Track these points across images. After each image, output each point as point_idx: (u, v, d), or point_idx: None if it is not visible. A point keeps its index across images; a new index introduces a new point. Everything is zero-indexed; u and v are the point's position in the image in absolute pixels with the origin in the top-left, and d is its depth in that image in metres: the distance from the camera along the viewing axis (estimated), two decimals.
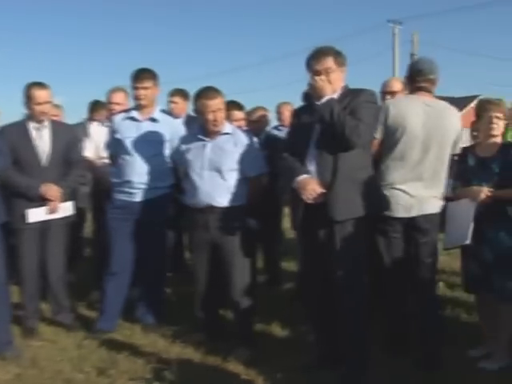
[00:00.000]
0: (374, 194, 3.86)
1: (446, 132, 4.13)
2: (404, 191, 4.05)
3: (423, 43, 32.46)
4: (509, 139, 4.36)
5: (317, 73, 3.77)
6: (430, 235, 4.12)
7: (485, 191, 3.97)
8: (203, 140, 4.41)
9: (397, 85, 4.89)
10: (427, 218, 4.09)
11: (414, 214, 4.07)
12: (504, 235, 4.02)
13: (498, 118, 4.04)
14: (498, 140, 4.13)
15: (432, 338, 4.11)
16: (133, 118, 4.88)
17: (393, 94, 4.82)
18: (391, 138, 4.06)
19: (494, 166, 4.07)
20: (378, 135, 4.04)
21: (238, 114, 5.22)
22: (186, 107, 6.08)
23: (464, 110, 31.61)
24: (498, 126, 4.07)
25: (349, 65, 3.98)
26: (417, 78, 4.16)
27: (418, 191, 4.06)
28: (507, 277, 4.01)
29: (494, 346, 4.23)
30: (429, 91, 4.18)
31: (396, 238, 4.13)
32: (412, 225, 4.09)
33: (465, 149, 4.29)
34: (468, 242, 3.99)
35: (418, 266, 4.11)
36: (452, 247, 4.28)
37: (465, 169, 4.20)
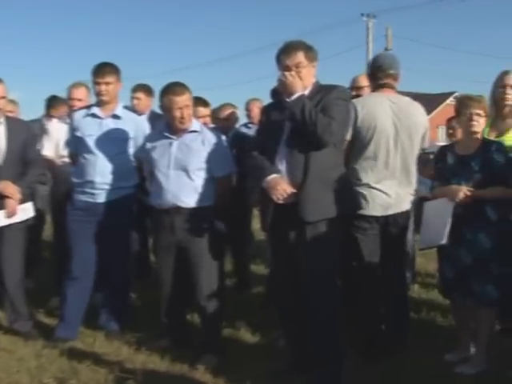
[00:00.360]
0: (346, 194, 3.80)
1: (414, 128, 4.20)
2: (381, 190, 4.12)
3: (398, 37, 32.73)
4: (485, 136, 4.29)
5: (287, 68, 3.71)
6: (405, 231, 4.26)
7: (464, 190, 3.92)
8: (169, 138, 4.29)
9: (364, 81, 4.90)
10: (403, 214, 4.20)
11: (391, 212, 4.16)
12: (483, 237, 3.96)
13: (478, 114, 4.01)
14: (479, 137, 4.10)
15: (397, 331, 4.28)
16: (94, 115, 4.74)
17: (360, 89, 4.92)
18: (363, 139, 4.09)
19: (474, 164, 4.02)
20: (348, 136, 4.04)
21: (203, 111, 5.12)
22: (150, 103, 5.98)
23: (440, 107, 31.83)
24: (479, 123, 4.03)
25: (322, 60, 3.99)
26: (378, 75, 4.23)
27: (394, 189, 4.15)
28: (486, 280, 3.96)
29: (470, 350, 4.20)
30: (392, 87, 4.25)
31: (373, 235, 4.17)
32: (388, 222, 4.17)
33: (444, 147, 4.28)
34: (444, 242, 3.95)
35: (392, 262, 4.23)
36: (427, 247, 4.24)
37: (443, 167, 4.15)
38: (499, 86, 4.43)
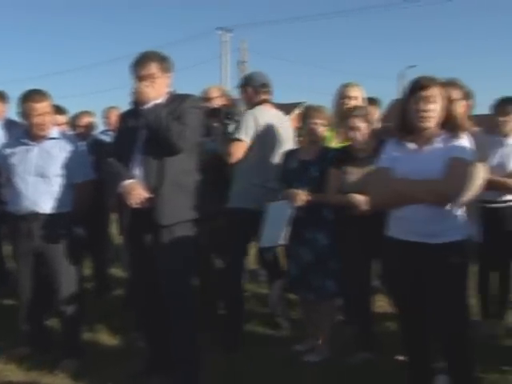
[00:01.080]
0: (200, 197, 3.95)
1: (287, 132, 4.86)
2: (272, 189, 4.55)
3: (253, 52, 33.56)
4: (331, 144, 4.69)
5: (141, 78, 3.80)
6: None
7: (301, 195, 4.21)
8: (28, 144, 4.32)
9: (215, 92, 5.24)
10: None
11: None
12: (322, 237, 4.28)
13: (319, 124, 4.35)
14: (319, 144, 4.44)
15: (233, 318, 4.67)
16: None
17: (210, 100, 5.15)
18: (260, 143, 4.59)
19: (314, 169, 4.34)
20: (248, 139, 4.55)
21: (60, 119, 5.17)
22: (5, 110, 5.87)
23: (290, 116, 33.25)
24: (320, 132, 4.38)
25: (178, 70, 4.13)
26: (262, 91, 4.77)
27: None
28: (325, 276, 4.29)
29: (316, 340, 4.56)
30: (270, 102, 4.84)
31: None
32: None
33: (289, 152, 4.59)
34: (282, 242, 4.25)
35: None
36: (267, 246, 4.51)
37: (287, 171, 4.46)
38: (341, 96, 4.87)
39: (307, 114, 4.43)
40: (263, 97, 4.78)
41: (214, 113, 4.95)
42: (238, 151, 4.58)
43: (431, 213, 3.08)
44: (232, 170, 4.71)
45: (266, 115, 4.67)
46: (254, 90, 4.77)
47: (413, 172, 3.09)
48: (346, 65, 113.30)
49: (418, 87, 3.14)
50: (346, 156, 4.26)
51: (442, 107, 3.15)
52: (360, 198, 3.99)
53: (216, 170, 4.72)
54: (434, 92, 3.12)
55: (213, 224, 4.67)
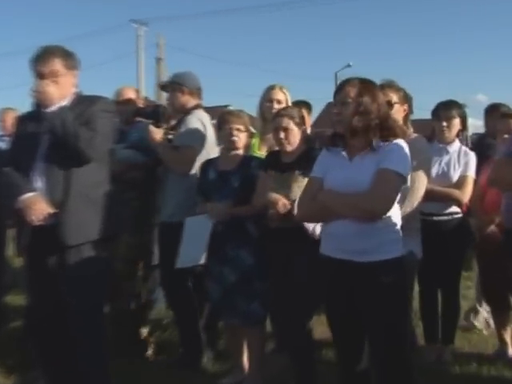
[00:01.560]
0: (112, 213, 3.63)
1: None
2: None
3: (174, 48, 32.44)
4: (256, 150, 4.43)
5: (42, 76, 3.53)
6: None
7: (220, 208, 3.96)
8: None
9: (130, 93, 5.00)
10: None
11: None
12: (246, 254, 4.00)
13: (238, 129, 4.08)
14: (240, 153, 4.15)
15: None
16: None
17: (125, 102, 4.89)
18: (206, 152, 4.43)
19: (234, 180, 4.07)
20: (199, 146, 4.39)
21: None
22: None
23: (215, 120, 32.76)
24: (239, 138, 4.10)
25: (89, 68, 3.91)
26: (198, 95, 4.60)
27: None
28: (250, 299, 4.01)
29: (244, 373, 4.22)
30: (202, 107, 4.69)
31: None
32: None
33: (206, 162, 4.30)
34: (202, 262, 3.99)
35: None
36: (185, 267, 4.15)
37: (205, 182, 4.18)
38: (266, 100, 4.56)
39: (224, 120, 4.16)
40: (199, 101, 4.62)
41: (141, 115, 4.73)
42: (190, 159, 4.37)
43: (359, 228, 2.93)
44: (159, 179, 4.56)
45: (207, 121, 4.57)
46: (190, 93, 4.56)
47: (342, 183, 2.97)
48: (279, 64, 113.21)
49: (336, 90, 3.06)
50: (273, 160, 3.98)
51: (360, 111, 2.95)
52: (277, 197, 3.71)
53: (130, 181, 4.46)
54: (346, 94, 2.98)
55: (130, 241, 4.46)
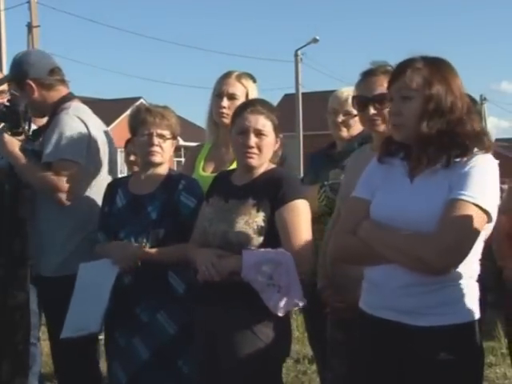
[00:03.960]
0: None
1: (112, 149, 3.80)
2: None
3: (59, 12, 26.45)
4: (200, 173, 3.44)
5: None
6: None
7: (130, 251, 3.01)
8: None
9: None
10: None
11: None
12: (165, 320, 3.03)
13: (161, 136, 3.10)
14: (162, 170, 3.17)
15: None
16: None
17: None
18: (95, 167, 3.46)
19: (152, 209, 3.09)
20: (81, 160, 3.29)
21: None
22: None
23: (123, 116, 29.38)
24: (162, 149, 3.12)
25: None
26: (59, 80, 3.47)
27: None
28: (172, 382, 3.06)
29: None
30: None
31: None
32: None
33: (114, 182, 3.34)
34: (97, 329, 3.07)
35: None
36: (74, 336, 3.07)
37: (110, 213, 3.17)
38: (216, 94, 3.38)
39: (139, 121, 3.12)
40: (64, 89, 3.46)
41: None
42: (72, 181, 3.23)
43: (414, 279, 2.21)
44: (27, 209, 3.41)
45: (89, 117, 3.42)
46: (40, 83, 3.38)
47: (396, 214, 2.24)
48: (224, 44, 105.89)
49: (392, 77, 2.33)
50: (222, 183, 2.93)
51: (432, 109, 2.20)
52: (200, 258, 2.72)
53: None
54: (408, 84, 2.25)
55: None
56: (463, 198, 2.12)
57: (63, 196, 3.23)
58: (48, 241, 3.33)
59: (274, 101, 38.20)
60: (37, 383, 3.85)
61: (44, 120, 3.58)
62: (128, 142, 4.42)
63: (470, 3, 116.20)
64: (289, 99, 33.32)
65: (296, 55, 29.15)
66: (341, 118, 3.44)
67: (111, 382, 3.17)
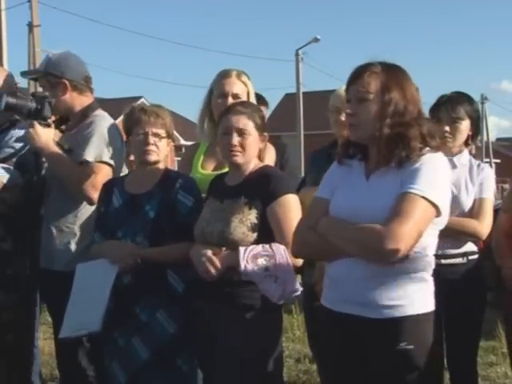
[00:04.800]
0: None
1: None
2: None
3: (62, 13, 25.40)
4: (199, 168, 3.44)
5: None
6: None
7: (128, 250, 3.00)
8: None
9: None
10: None
11: None
12: (165, 319, 3.02)
13: (156, 135, 3.11)
14: (159, 168, 3.16)
15: None
16: None
17: None
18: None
19: (149, 208, 3.07)
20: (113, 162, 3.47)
21: None
22: None
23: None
24: (158, 148, 3.12)
25: None
26: (88, 88, 3.64)
27: None
28: (171, 381, 3.04)
29: None
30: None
31: None
32: None
33: (109, 182, 3.31)
34: (98, 328, 2.97)
35: None
36: (72, 336, 3.08)
37: (106, 212, 3.17)
38: (217, 94, 3.38)
39: (135, 120, 3.13)
40: (92, 98, 3.63)
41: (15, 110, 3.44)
42: (102, 181, 3.31)
43: (371, 272, 2.31)
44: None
45: (112, 124, 3.59)
46: (74, 87, 3.53)
47: (352, 209, 2.35)
48: (225, 44, 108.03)
49: (349, 80, 2.44)
50: (218, 183, 3.04)
51: (387, 112, 2.33)
52: (200, 258, 2.78)
53: None
54: (365, 87, 2.37)
55: None
56: (412, 191, 2.23)
57: (95, 195, 3.30)
58: (63, 234, 3.41)
59: (275, 100, 38.06)
60: (39, 382, 3.87)
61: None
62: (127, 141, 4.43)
63: (470, 3, 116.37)
64: (290, 98, 33.53)
65: (297, 54, 29.05)
66: (344, 117, 3.46)
67: (111, 381, 3.15)
